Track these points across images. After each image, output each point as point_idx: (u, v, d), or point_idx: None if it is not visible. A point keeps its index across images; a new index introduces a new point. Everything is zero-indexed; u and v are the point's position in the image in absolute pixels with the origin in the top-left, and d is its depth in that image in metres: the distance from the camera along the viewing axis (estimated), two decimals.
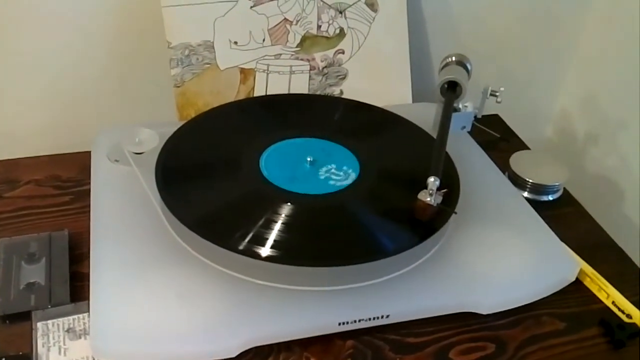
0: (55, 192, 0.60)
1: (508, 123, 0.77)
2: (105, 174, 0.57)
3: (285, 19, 0.67)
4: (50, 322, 0.46)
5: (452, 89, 0.59)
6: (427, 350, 0.47)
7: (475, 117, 0.63)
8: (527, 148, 0.72)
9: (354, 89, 0.70)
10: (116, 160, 0.57)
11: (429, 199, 0.48)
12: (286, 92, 0.68)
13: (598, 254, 0.56)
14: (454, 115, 0.59)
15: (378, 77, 0.70)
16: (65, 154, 0.65)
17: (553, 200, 0.64)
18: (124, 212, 0.52)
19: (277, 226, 0.49)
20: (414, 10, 0.73)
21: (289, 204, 0.50)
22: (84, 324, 0.46)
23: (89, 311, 0.44)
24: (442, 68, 0.62)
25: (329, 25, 0.68)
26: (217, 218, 0.50)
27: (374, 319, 0.47)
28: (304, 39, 0.68)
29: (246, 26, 0.66)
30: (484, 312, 0.49)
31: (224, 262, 0.47)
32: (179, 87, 0.65)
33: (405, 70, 0.71)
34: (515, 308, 0.50)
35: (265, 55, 0.67)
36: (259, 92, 0.68)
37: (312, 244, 0.49)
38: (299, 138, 0.59)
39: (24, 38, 0.64)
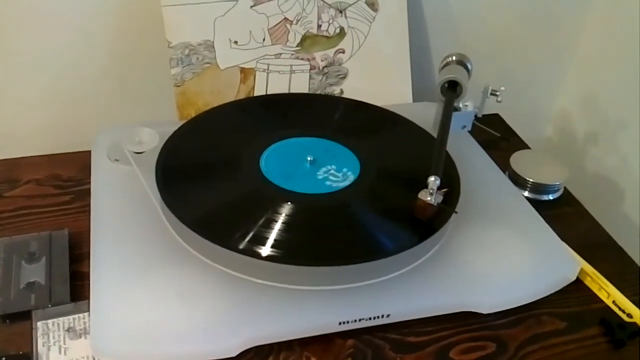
0: (56, 191, 0.60)
1: (508, 122, 0.77)
2: (105, 173, 0.56)
3: (285, 18, 0.67)
4: (50, 321, 0.46)
5: (452, 89, 0.59)
6: (427, 349, 0.47)
7: (475, 116, 0.63)
8: (528, 147, 0.72)
9: (354, 88, 0.70)
10: (116, 160, 0.57)
11: (429, 198, 0.48)
12: (286, 91, 0.68)
13: (598, 253, 0.56)
14: (455, 114, 0.59)
15: (378, 77, 0.70)
16: (65, 154, 0.65)
17: (553, 199, 0.64)
18: (124, 212, 0.52)
19: (278, 226, 0.49)
20: (414, 10, 0.73)
21: (289, 203, 0.50)
22: (84, 323, 0.46)
23: (89, 310, 0.44)
24: (443, 67, 0.62)
25: (329, 24, 0.68)
26: (218, 217, 0.50)
27: (374, 318, 0.47)
28: (304, 38, 0.68)
29: (246, 26, 0.66)
30: (485, 312, 0.49)
31: (224, 262, 0.47)
32: (179, 86, 0.65)
33: (406, 69, 0.71)
34: (516, 307, 0.50)
35: (266, 55, 0.67)
36: (259, 91, 0.68)
37: (312, 243, 0.49)
38: (300, 137, 0.59)
39: (24, 38, 0.64)
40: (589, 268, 0.54)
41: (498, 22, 0.79)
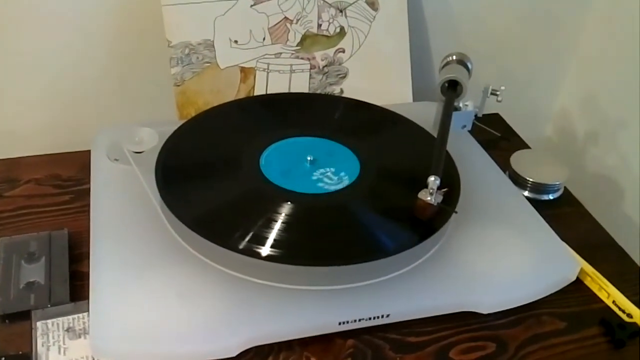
0: (55, 191, 0.60)
1: (508, 122, 0.77)
2: (105, 173, 0.56)
3: (285, 17, 0.67)
4: (49, 321, 0.46)
5: (452, 88, 0.59)
6: (427, 349, 0.47)
7: (475, 116, 0.63)
8: (528, 147, 0.72)
9: (354, 87, 0.70)
10: (116, 160, 0.57)
11: (429, 198, 0.48)
12: (286, 91, 0.68)
13: (598, 253, 0.56)
14: (455, 114, 0.59)
15: (378, 76, 0.70)
16: (65, 153, 0.65)
17: (553, 199, 0.64)
18: (123, 211, 0.52)
19: (277, 225, 0.49)
20: (414, 9, 0.73)
21: (289, 203, 0.50)
22: (84, 323, 0.46)
23: (88, 310, 0.44)
24: (443, 67, 0.62)
25: (330, 24, 0.68)
26: (217, 217, 0.50)
27: (374, 318, 0.47)
28: (304, 37, 0.68)
29: (246, 25, 0.66)
30: (485, 312, 0.49)
31: (224, 262, 0.47)
32: (179, 86, 0.65)
33: (406, 69, 0.71)
34: (516, 307, 0.50)
35: (266, 54, 0.67)
36: (259, 91, 0.68)
37: (312, 243, 0.49)
38: (300, 137, 0.59)
39: (24, 38, 0.64)
40: (589, 268, 0.54)
41: (498, 22, 0.79)
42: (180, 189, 0.52)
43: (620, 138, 0.78)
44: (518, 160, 0.64)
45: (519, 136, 0.75)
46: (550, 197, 0.64)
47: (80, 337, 0.45)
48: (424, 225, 0.49)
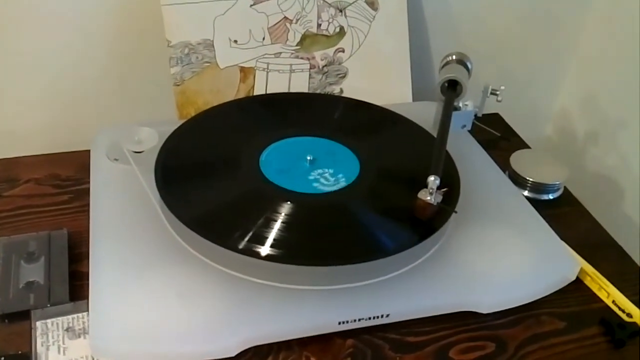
0: (55, 190, 0.60)
1: (508, 122, 0.77)
2: (104, 172, 0.56)
3: (285, 17, 0.67)
4: (49, 321, 0.46)
5: (452, 88, 0.59)
6: (427, 349, 0.47)
7: (475, 115, 0.63)
8: (528, 147, 0.72)
9: (354, 87, 0.70)
10: (115, 159, 0.57)
11: (429, 198, 0.48)
12: (286, 90, 0.68)
13: (598, 252, 0.56)
14: (455, 114, 0.59)
15: (378, 76, 0.70)
16: (64, 153, 0.65)
17: (553, 199, 0.64)
18: (123, 211, 0.52)
19: (277, 225, 0.48)
20: (414, 9, 0.73)
21: (288, 203, 0.50)
22: (83, 323, 0.46)
23: (88, 310, 0.44)
24: (443, 67, 0.62)
25: (329, 23, 0.68)
26: (217, 217, 0.50)
27: (373, 318, 0.47)
28: (303, 37, 0.68)
29: (246, 25, 0.66)
30: (484, 312, 0.49)
31: (224, 261, 0.47)
32: (178, 85, 0.65)
33: (406, 68, 0.71)
34: (516, 307, 0.50)
35: (265, 54, 0.67)
36: (258, 90, 0.68)
37: (311, 243, 0.49)
38: (299, 137, 0.59)
39: (24, 38, 0.64)
40: (588, 268, 0.54)
41: (498, 22, 0.79)
42: (180, 188, 0.52)
43: (620, 138, 0.78)
44: (518, 160, 0.64)
45: (518, 136, 0.75)
46: (550, 196, 0.64)
47: (79, 336, 0.45)
48: (424, 225, 0.49)
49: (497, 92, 0.60)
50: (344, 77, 0.70)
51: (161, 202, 0.51)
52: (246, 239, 0.47)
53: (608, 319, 0.50)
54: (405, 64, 0.71)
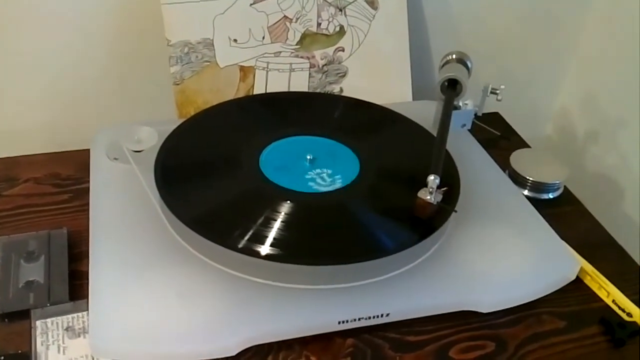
0: (54, 190, 0.60)
1: (508, 121, 0.77)
2: (104, 172, 0.56)
3: (285, 16, 0.67)
4: (49, 320, 0.46)
5: (452, 87, 0.59)
6: (427, 348, 0.47)
7: (475, 115, 0.63)
8: (528, 146, 0.72)
9: (353, 86, 0.70)
10: (115, 159, 0.57)
11: (429, 197, 0.48)
12: (286, 89, 0.68)
13: (598, 252, 0.56)
14: (454, 113, 0.59)
15: (378, 75, 0.70)
16: (64, 152, 0.65)
17: (553, 198, 0.64)
18: (123, 211, 0.52)
19: (277, 224, 0.48)
20: (414, 9, 0.73)
21: (288, 202, 0.50)
22: (83, 322, 0.46)
23: (88, 310, 0.44)
24: (443, 66, 0.62)
25: (329, 22, 0.68)
26: (217, 216, 0.50)
27: (373, 317, 0.46)
28: (303, 36, 0.68)
29: (246, 24, 0.66)
30: (484, 311, 0.49)
31: (224, 261, 0.47)
32: (178, 84, 0.65)
33: (405, 68, 0.71)
34: (516, 306, 0.50)
35: (265, 53, 0.67)
36: (258, 89, 0.68)
37: (311, 242, 0.49)
38: (299, 136, 0.59)
39: (24, 38, 0.64)
40: (588, 267, 0.54)
41: (498, 22, 0.79)
42: (180, 188, 0.52)
43: (620, 137, 0.78)
44: (518, 159, 0.64)
45: (518, 135, 0.75)
46: (550, 196, 0.64)
47: (79, 336, 0.45)
48: (424, 224, 0.49)
49: (497, 91, 0.60)
50: (343, 76, 0.70)
51: (161, 202, 0.51)
52: (246, 238, 0.47)
53: (608, 318, 0.50)
54: (405, 63, 0.71)
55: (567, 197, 0.65)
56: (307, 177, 0.53)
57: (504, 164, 0.64)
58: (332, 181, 0.53)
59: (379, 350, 0.46)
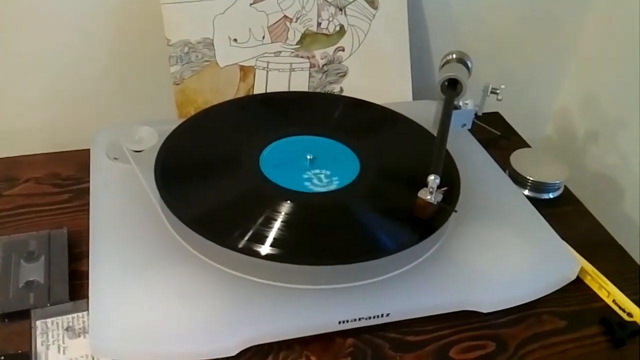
0: (55, 190, 0.60)
1: (509, 121, 0.77)
2: (104, 172, 0.56)
3: (285, 16, 0.67)
4: (49, 320, 0.46)
5: (452, 87, 0.59)
6: (427, 348, 0.47)
7: (475, 114, 0.63)
8: (528, 146, 0.72)
9: (354, 86, 0.70)
10: (115, 158, 0.57)
11: (429, 197, 0.47)
12: (286, 89, 0.68)
13: (598, 252, 0.56)
14: (455, 112, 0.58)
15: (378, 75, 0.70)
16: (64, 152, 0.65)
17: (553, 198, 0.64)
18: (123, 210, 0.52)
19: (277, 224, 0.48)
20: (414, 9, 0.73)
21: (288, 202, 0.50)
22: (83, 322, 0.46)
23: (88, 309, 0.44)
24: (443, 65, 0.62)
25: (329, 22, 0.68)
26: (217, 216, 0.50)
27: (374, 317, 0.46)
28: (303, 36, 0.68)
29: (246, 23, 0.66)
30: (485, 311, 0.49)
31: (224, 261, 0.47)
32: (178, 84, 0.65)
33: (406, 67, 0.71)
34: (516, 306, 0.50)
35: (265, 53, 0.67)
36: (258, 89, 0.68)
37: (312, 242, 0.49)
38: (299, 136, 0.59)
39: (24, 38, 0.64)
40: (589, 267, 0.54)
41: (498, 22, 0.79)
42: (180, 187, 0.52)
43: (620, 137, 0.78)
44: (518, 159, 0.64)
45: (519, 135, 0.75)
46: (551, 196, 0.64)
47: (79, 336, 0.45)
48: (424, 224, 0.49)
49: (497, 91, 0.60)
50: (344, 76, 0.70)
51: (161, 202, 0.51)
52: (246, 238, 0.47)
53: (608, 318, 0.50)
54: (405, 63, 0.71)
55: (568, 197, 0.65)
56: (305, 176, 0.53)
57: (504, 164, 0.64)
58: (328, 182, 0.53)
59: (379, 350, 0.46)
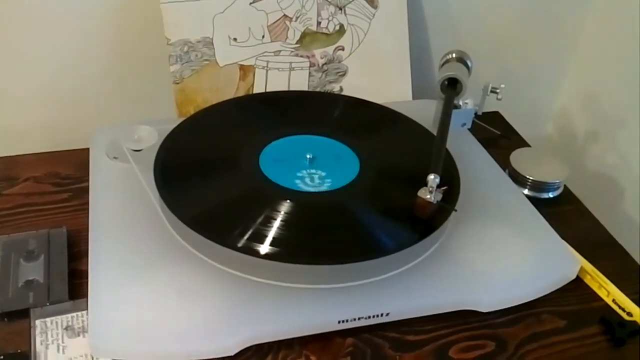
0: (54, 189, 0.60)
1: (508, 121, 0.77)
2: (104, 171, 0.56)
3: (284, 15, 0.66)
4: (48, 319, 0.46)
5: (452, 86, 0.59)
6: (426, 348, 0.47)
7: (475, 114, 0.63)
8: (528, 145, 0.72)
9: (353, 85, 0.70)
10: (115, 158, 0.57)
11: (429, 196, 0.47)
12: (286, 88, 0.68)
13: (598, 251, 0.56)
14: (454, 112, 0.59)
15: (378, 74, 0.70)
16: (64, 151, 0.65)
17: (553, 197, 0.64)
18: (122, 210, 0.52)
19: (277, 224, 0.48)
20: (414, 8, 0.73)
21: (288, 201, 0.50)
22: (83, 321, 0.46)
23: (87, 309, 0.44)
24: (443, 65, 0.62)
25: (329, 21, 0.68)
26: (217, 215, 0.50)
27: (373, 317, 0.46)
28: (303, 35, 0.68)
29: (245, 23, 0.66)
30: (484, 310, 0.49)
31: (224, 260, 0.47)
32: (178, 83, 0.65)
33: (405, 67, 0.71)
34: (516, 306, 0.50)
35: (265, 52, 0.67)
36: (258, 88, 0.68)
37: (311, 241, 0.49)
38: (299, 135, 0.58)
39: (24, 38, 0.64)
40: (588, 266, 0.54)
41: (498, 22, 0.79)
42: (180, 187, 0.52)
43: (620, 137, 0.78)
44: (518, 158, 0.64)
45: (519, 134, 0.75)
46: (550, 195, 0.64)
47: (79, 335, 0.45)
48: (424, 223, 0.49)
49: (497, 91, 0.60)
50: (343, 75, 0.70)
51: (160, 201, 0.51)
52: (246, 237, 0.47)
53: (608, 318, 0.50)
54: (405, 62, 0.71)
55: (567, 197, 0.65)
56: (298, 175, 0.53)
57: (504, 163, 0.64)
58: (321, 182, 0.53)
59: (379, 349, 0.46)
